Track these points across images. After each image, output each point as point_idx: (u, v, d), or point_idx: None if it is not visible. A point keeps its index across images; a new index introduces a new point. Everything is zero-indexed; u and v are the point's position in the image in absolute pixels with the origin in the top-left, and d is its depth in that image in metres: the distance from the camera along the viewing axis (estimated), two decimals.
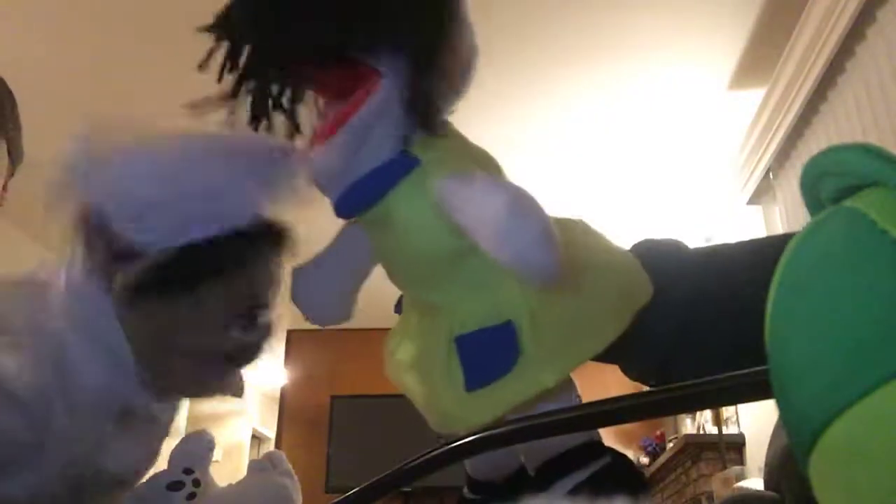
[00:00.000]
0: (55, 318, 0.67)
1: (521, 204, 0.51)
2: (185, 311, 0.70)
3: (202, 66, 0.61)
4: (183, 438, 0.90)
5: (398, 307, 0.76)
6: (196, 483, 0.84)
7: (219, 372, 0.75)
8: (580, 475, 0.59)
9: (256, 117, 0.63)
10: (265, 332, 0.76)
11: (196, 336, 0.71)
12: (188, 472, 0.85)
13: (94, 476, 0.71)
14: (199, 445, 0.89)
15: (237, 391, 0.78)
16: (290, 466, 0.92)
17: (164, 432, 0.82)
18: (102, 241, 0.68)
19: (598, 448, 0.61)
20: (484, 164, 0.65)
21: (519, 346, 0.56)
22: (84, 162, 0.66)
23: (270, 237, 0.73)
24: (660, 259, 0.72)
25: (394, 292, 0.79)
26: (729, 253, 0.78)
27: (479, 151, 0.68)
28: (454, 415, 0.59)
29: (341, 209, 0.65)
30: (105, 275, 0.68)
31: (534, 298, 0.58)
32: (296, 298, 0.73)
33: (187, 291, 0.69)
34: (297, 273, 0.73)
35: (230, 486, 0.93)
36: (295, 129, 0.64)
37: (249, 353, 0.75)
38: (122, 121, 0.69)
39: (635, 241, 0.77)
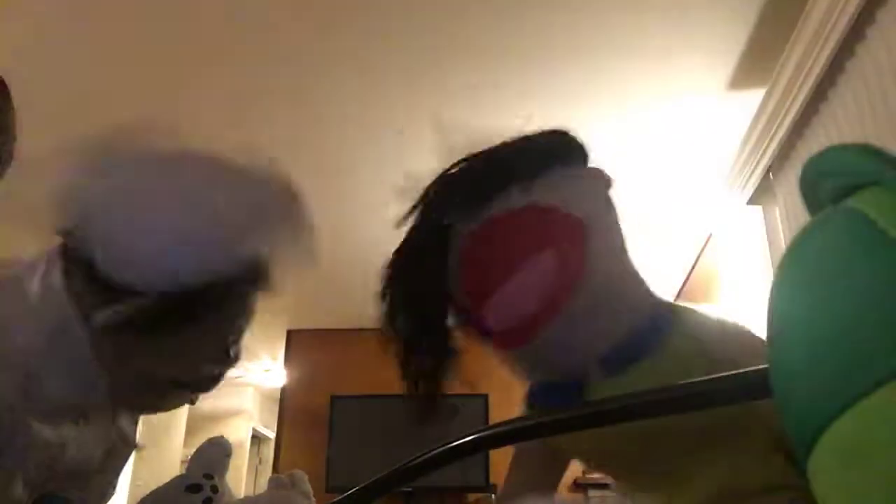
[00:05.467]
0: (26, 330, 0.66)
1: None
2: (163, 352, 0.68)
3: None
4: (202, 444, 0.91)
5: None
6: (214, 489, 0.85)
7: (180, 396, 0.74)
8: None
9: None
10: (233, 363, 0.75)
11: (169, 371, 0.70)
12: (208, 476, 0.85)
13: (52, 471, 0.71)
14: (217, 451, 0.89)
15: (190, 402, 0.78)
16: (310, 488, 0.91)
17: (115, 424, 0.81)
18: (82, 270, 0.65)
19: None
20: None
21: None
22: (81, 181, 0.64)
23: (252, 277, 0.71)
24: None
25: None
26: None
27: None
28: None
29: (615, 364, 0.68)
30: (80, 299, 0.66)
31: None
32: None
33: (167, 335, 0.67)
34: None
35: (247, 498, 0.94)
36: None
37: (214, 382, 0.75)
38: (127, 135, 0.67)
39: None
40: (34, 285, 0.68)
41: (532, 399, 0.74)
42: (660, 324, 0.70)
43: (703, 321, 0.71)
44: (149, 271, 0.63)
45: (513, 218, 0.72)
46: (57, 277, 0.67)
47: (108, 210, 0.64)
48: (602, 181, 0.83)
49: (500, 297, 0.69)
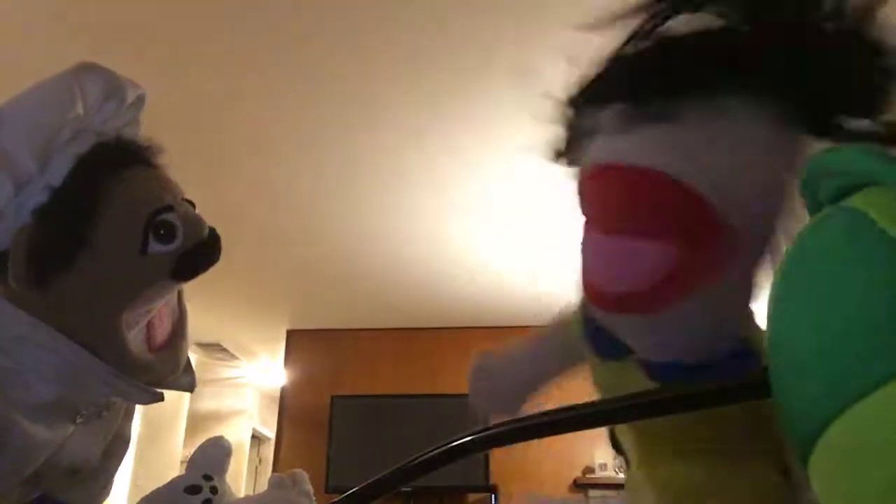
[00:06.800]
0: None
1: None
2: (92, 264, 0.64)
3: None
4: (201, 445, 0.90)
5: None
6: (213, 490, 0.84)
7: (169, 289, 0.69)
8: None
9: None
10: (192, 230, 0.69)
11: (122, 275, 0.65)
12: (207, 478, 0.85)
13: (49, 470, 0.69)
14: (217, 452, 0.89)
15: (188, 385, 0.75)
16: (310, 488, 0.91)
17: (119, 422, 0.79)
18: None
19: None
20: None
21: None
22: None
23: (120, 152, 0.69)
24: None
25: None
26: None
27: None
28: None
29: (661, 375, 0.53)
30: (15, 293, 0.63)
31: None
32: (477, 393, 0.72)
33: (80, 246, 0.63)
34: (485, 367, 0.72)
35: (247, 497, 0.94)
36: None
37: (194, 258, 0.69)
38: None
39: None
40: None
41: (584, 333, 0.60)
42: (729, 368, 0.52)
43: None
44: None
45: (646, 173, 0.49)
46: None
47: None
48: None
49: (594, 245, 0.53)
